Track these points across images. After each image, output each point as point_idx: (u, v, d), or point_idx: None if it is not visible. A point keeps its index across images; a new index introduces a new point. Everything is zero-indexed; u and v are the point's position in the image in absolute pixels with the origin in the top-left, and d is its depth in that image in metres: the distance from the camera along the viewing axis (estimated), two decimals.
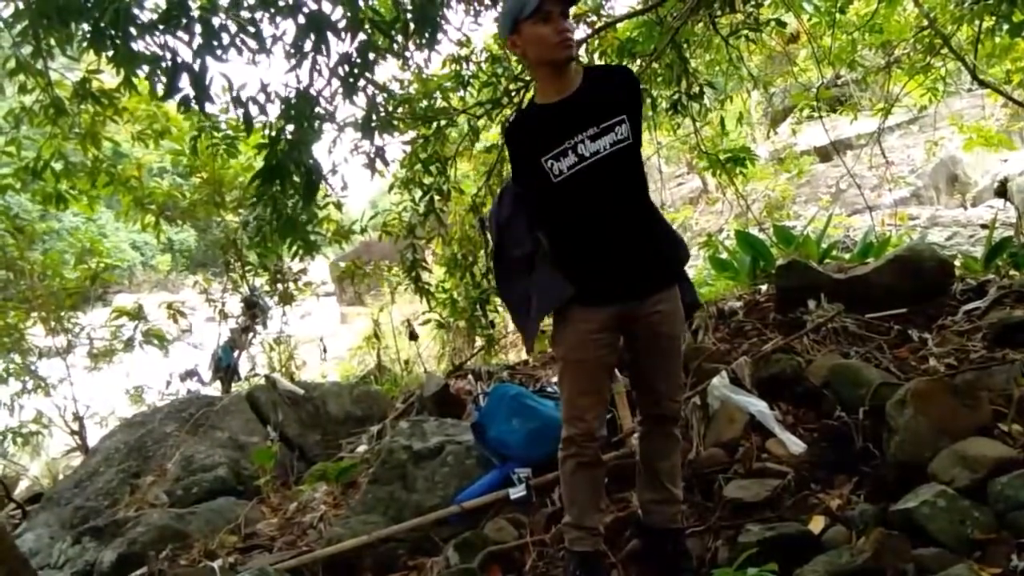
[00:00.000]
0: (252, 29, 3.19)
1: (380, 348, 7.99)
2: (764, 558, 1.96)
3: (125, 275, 23.56)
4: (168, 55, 3.05)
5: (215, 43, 3.06)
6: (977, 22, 4.98)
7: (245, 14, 3.22)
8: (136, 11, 2.94)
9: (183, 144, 6.04)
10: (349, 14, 3.36)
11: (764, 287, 4.42)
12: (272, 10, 3.29)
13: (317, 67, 3.44)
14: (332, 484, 3.69)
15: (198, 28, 3.02)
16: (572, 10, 2.46)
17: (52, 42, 3.29)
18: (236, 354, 7.09)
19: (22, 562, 2.67)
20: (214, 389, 6.82)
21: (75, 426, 6.70)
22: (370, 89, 3.75)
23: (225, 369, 6.95)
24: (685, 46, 5.31)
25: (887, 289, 3.60)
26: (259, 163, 3.73)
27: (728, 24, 5.45)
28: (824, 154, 14.17)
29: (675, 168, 17.26)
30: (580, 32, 5.02)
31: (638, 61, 5.18)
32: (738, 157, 5.74)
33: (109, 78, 4.12)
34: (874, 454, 2.63)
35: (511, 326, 5.77)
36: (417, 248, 5.27)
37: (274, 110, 3.54)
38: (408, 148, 4.98)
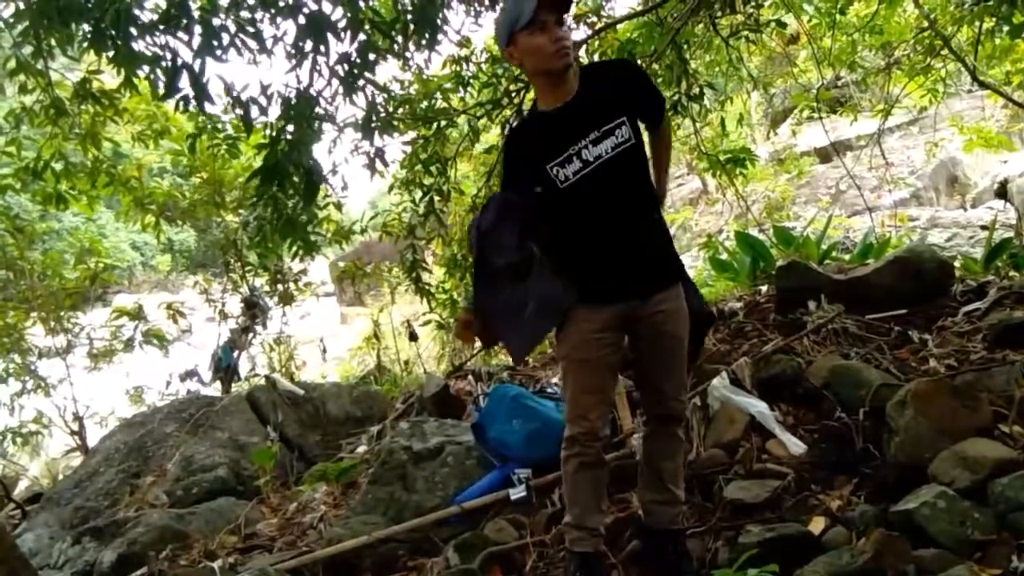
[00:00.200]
0: (252, 29, 3.19)
1: (380, 349, 7.99)
2: (764, 559, 1.95)
3: (125, 275, 23.56)
4: (168, 55, 3.06)
5: (215, 43, 3.06)
6: (977, 23, 4.99)
7: (245, 14, 3.22)
8: (136, 11, 2.94)
9: (183, 144, 6.04)
10: (349, 14, 3.37)
11: (764, 288, 4.42)
12: (272, 10, 3.29)
13: (317, 67, 3.44)
14: (332, 484, 3.69)
15: (198, 28, 3.03)
16: (572, 11, 2.47)
17: (53, 42, 3.29)
18: (236, 354, 7.08)
19: (23, 562, 2.67)
20: (214, 389, 6.82)
21: (75, 426, 6.69)
22: (370, 89, 3.76)
23: (225, 369, 6.95)
24: (685, 47, 5.30)
25: (887, 290, 3.60)
26: (259, 163, 3.73)
27: (728, 25, 5.45)
28: (824, 155, 14.18)
29: (675, 169, 17.23)
30: (580, 33, 5.03)
31: (638, 62, 5.18)
32: (738, 158, 5.74)
33: (109, 78, 4.12)
34: (874, 455, 2.63)
35: None
36: (417, 249, 5.28)
37: (274, 110, 3.54)
38: (408, 149, 4.98)
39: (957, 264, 4.38)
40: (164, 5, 3.03)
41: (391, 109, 4.28)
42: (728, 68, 6.44)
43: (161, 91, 3.12)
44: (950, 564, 1.93)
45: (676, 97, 5.21)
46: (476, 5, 4.49)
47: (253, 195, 3.88)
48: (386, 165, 4.35)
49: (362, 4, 3.48)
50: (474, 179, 6.82)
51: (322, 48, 3.35)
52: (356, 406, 4.90)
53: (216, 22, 3.09)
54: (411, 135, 4.91)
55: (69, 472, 5.29)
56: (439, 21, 3.85)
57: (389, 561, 2.88)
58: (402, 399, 4.90)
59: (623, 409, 3.32)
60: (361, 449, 4.28)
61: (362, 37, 3.45)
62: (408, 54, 4.22)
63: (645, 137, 2.25)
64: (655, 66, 5.13)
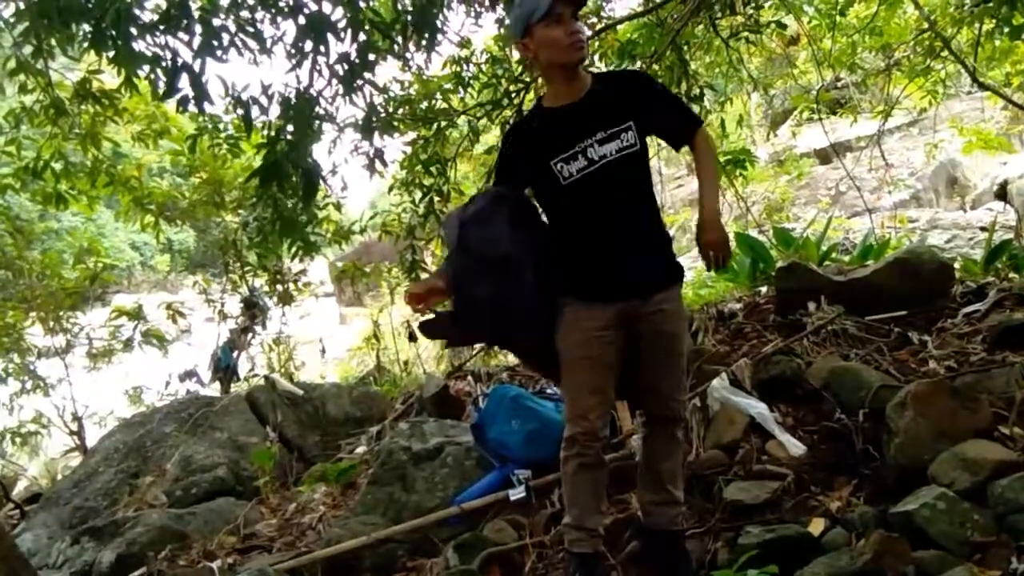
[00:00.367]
0: (252, 29, 3.19)
1: (379, 349, 7.98)
2: (764, 560, 1.96)
3: (124, 275, 23.54)
4: (168, 55, 3.06)
5: (215, 43, 3.07)
6: (977, 25, 4.99)
7: (245, 14, 3.22)
8: (137, 11, 2.95)
9: (183, 144, 6.04)
10: (349, 15, 3.37)
11: (764, 289, 4.42)
12: (272, 10, 3.30)
13: (317, 67, 3.44)
14: (331, 485, 3.69)
15: (198, 28, 3.03)
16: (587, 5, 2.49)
17: (53, 42, 3.29)
18: (235, 355, 7.09)
19: (22, 562, 2.67)
20: (213, 389, 6.82)
21: (74, 426, 6.69)
22: (369, 90, 3.76)
23: (224, 369, 6.96)
24: (685, 48, 5.31)
25: (887, 291, 3.60)
26: (259, 163, 3.73)
27: (728, 26, 5.45)
28: (824, 156, 14.17)
29: (675, 170, 17.25)
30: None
31: (638, 63, 5.18)
32: (738, 159, 5.73)
33: (109, 78, 4.12)
34: (874, 456, 2.63)
35: None
36: (417, 249, 5.28)
37: (274, 110, 3.55)
38: (408, 149, 4.98)
39: (957, 265, 4.38)
40: (164, 5, 3.04)
41: (391, 109, 4.28)
42: (728, 69, 6.44)
43: (161, 91, 3.12)
44: (950, 565, 1.93)
45: None
46: (476, 6, 4.49)
47: (253, 195, 3.89)
48: (386, 165, 4.36)
49: (362, 4, 3.48)
50: (474, 180, 6.81)
51: (322, 48, 3.36)
52: (355, 406, 4.90)
53: (216, 22, 3.10)
54: (411, 135, 4.92)
55: (68, 472, 5.28)
56: (439, 22, 3.86)
57: (388, 562, 2.88)
58: (401, 400, 4.90)
59: (623, 410, 3.31)
60: (360, 450, 4.28)
61: (362, 37, 3.46)
62: (408, 55, 4.23)
63: (662, 143, 2.26)
64: (655, 67, 5.13)
